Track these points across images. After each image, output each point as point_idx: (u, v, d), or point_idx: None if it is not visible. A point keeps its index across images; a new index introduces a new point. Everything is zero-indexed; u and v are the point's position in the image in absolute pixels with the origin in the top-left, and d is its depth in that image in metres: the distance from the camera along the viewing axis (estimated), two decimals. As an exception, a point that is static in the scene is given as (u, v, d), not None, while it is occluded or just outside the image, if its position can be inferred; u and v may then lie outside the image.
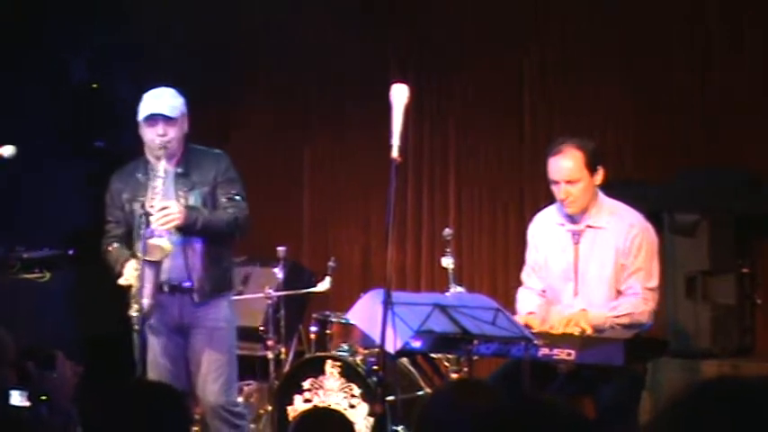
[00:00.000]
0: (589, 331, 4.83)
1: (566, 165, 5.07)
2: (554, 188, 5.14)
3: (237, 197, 5.39)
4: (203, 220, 5.25)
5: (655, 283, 5.12)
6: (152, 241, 5.05)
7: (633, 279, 5.08)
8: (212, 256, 5.36)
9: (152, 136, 5.26)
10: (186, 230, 5.23)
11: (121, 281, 5.22)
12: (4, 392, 4.03)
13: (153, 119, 5.25)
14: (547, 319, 5.15)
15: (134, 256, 5.21)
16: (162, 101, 5.29)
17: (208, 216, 5.28)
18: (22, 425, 2.83)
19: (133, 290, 5.11)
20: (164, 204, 5.12)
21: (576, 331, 4.82)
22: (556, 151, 5.11)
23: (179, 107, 5.33)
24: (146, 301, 5.06)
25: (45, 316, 6.83)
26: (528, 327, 4.88)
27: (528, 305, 5.27)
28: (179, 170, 5.32)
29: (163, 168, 5.19)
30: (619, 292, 5.10)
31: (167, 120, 5.26)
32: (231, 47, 8.29)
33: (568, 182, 5.07)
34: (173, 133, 5.27)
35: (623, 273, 5.09)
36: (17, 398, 4.72)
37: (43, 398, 5.12)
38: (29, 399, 4.98)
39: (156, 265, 5.10)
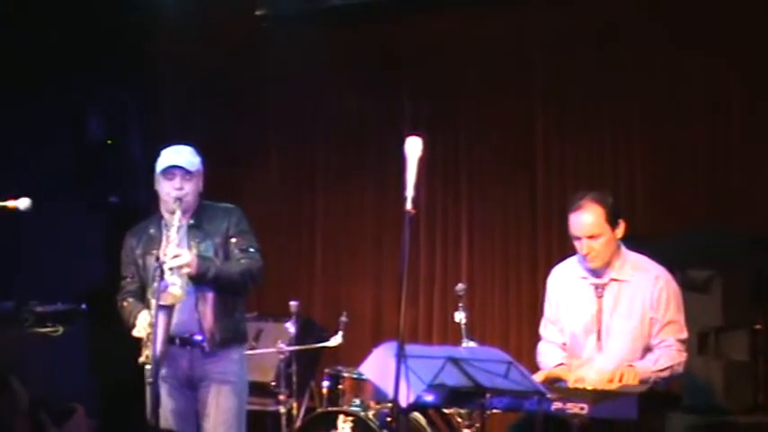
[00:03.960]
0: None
1: (587, 220, 5.07)
2: (576, 243, 5.14)
3: (251, 249, 5.44)
4: (216, 270, 5.29)
5: (685, 335, 5.13)
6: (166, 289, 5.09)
7: (665, 332, 5.08)
8: (224, 306, 5.38)
9: (168, 189, 5.33)
10: (199, 280, 5.26)
11: (135, 332, 5.25)
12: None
13: (171, 171, 5.33)
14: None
15: (147, 307, 5.24)
16: (181, 155, 5.39)
17: (220, 266, 5.32)
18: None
19: (144, 338, 5.14)
20: (176, 252, 5.17)
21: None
22: (576, 207, 5.11)
23: (197, 164, 5.43)
24: (157, 347, 5.07)
25: (58, 369, 6.83)
26: (560, 379, 4.87)
27: (555, 357, 5.27)
28: (192, 222, 5.38)
29: (177, 218, 5.25)
30: (648, 347, 5.10)
31: (185, 173, 5.34)
32: (244, 102, 8.35)
33: (590, 237, 5.08)
34: (189, 187, 5.35)
35: (654, 326, 5.09)
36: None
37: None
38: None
39: (168, 309, 5.13)
